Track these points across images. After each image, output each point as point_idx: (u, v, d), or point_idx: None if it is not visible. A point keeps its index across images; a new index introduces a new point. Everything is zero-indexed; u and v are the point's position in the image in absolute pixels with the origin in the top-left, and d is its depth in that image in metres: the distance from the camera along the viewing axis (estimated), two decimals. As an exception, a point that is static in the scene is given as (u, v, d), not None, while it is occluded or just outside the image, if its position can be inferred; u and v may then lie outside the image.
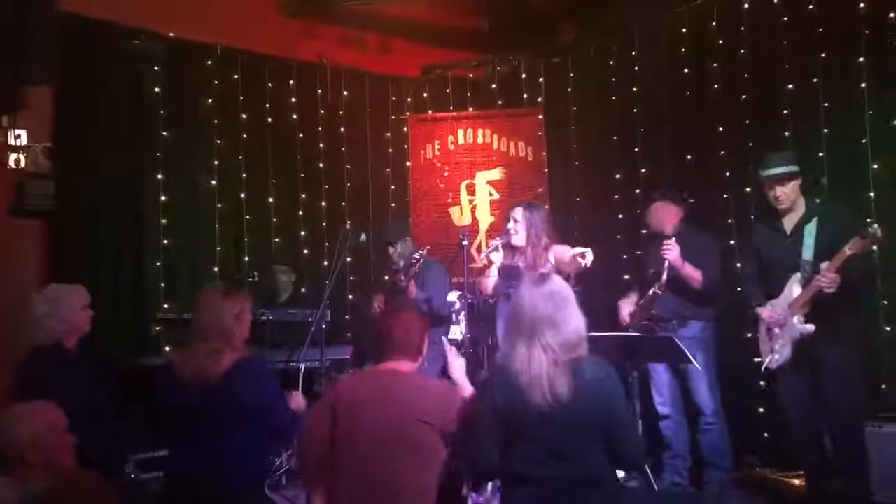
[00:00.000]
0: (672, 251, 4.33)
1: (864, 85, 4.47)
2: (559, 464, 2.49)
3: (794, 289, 3.80)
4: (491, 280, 4.40)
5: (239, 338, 3.02)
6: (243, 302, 3.07)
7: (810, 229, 3.80)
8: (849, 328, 3.78)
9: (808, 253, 3.79)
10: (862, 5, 4.49)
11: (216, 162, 5.70)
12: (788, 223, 3.93)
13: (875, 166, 4.44)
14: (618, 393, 2.56)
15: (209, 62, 5.71)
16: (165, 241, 5.40)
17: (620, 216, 5.91)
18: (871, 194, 4.40)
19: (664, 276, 4.32)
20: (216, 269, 5.60)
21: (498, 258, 4.37)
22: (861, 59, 4.49)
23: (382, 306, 5.27)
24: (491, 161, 6.39)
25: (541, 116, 6.36)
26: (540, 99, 6.44)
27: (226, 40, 5.76)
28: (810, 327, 3.72)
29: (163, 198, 5.42)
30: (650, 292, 4.42)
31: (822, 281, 3.62)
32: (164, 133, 5.47)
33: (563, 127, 6.32)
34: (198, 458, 2.88)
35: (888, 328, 4.32)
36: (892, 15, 4.36)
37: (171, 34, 5.50)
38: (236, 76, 5.82)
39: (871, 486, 3.82)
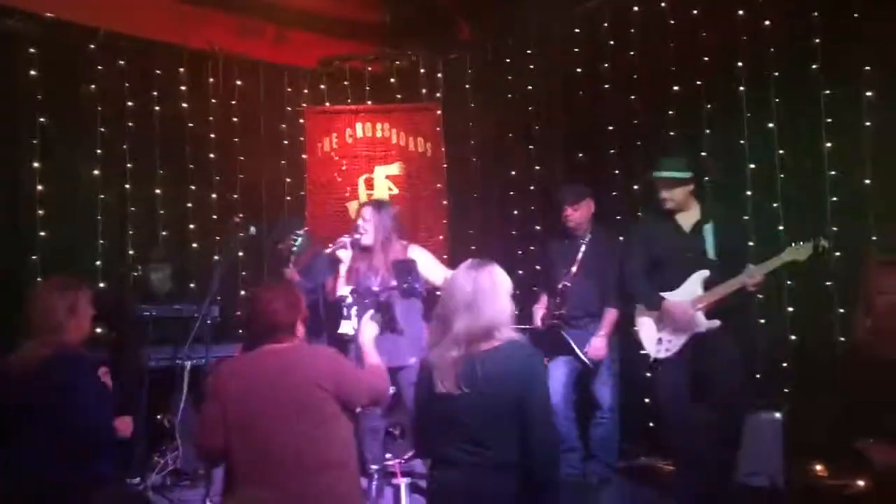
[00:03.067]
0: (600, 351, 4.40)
1: (742, 88, 4.69)
2: (477, 449, 2.50)
3: (695, 285, 3.85)
4: (339, 281, 4.25)
5: (74, 332, 2.92)
6: (78, 295, 2.95)
7: (709, 229, 3.91)
8: (742, 325, 3.95)
9: (712, 252, 3.89)
10: (741, 12, 4.70)
11: (99, 151, 5.43)
12: (685, 222, 3.99)
13: (752, 166, 4.66)
14: (532, 380, 2.55)
15: (91, 46, 5.43)
16: (42, 234, 5.11)
17: (516, 212, 6.00)
18: (748, 193, 4.62)
19: (573, 269, 4.36)
20: (98, 263, 5.34)
21: (346, 256, 4.28)
22: (740, 64, 4.71)
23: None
24: (390, 156, 6.32)
25: (439, 112, 6.35)
26: (438, 94, 6.44)
27: (109, 23, 5.49)
28: (717, 322, 3.80)
29: (40, 187, 5.13)
30: (559, 286, 4.46)
31: (749, 282, 3.72)
32: (42, 119, 5.17)
33: (462, 123, 6.33)
34: (22, 457, 2.76)
35: (762, 321, 4.54)
36: (767, 22, 4.58)
37: (49, 14, 5.20)
38: (121, 62, 5.57)
39: (741, 468, 4.02)
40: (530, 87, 5.93)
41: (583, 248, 4.37)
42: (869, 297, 4.11)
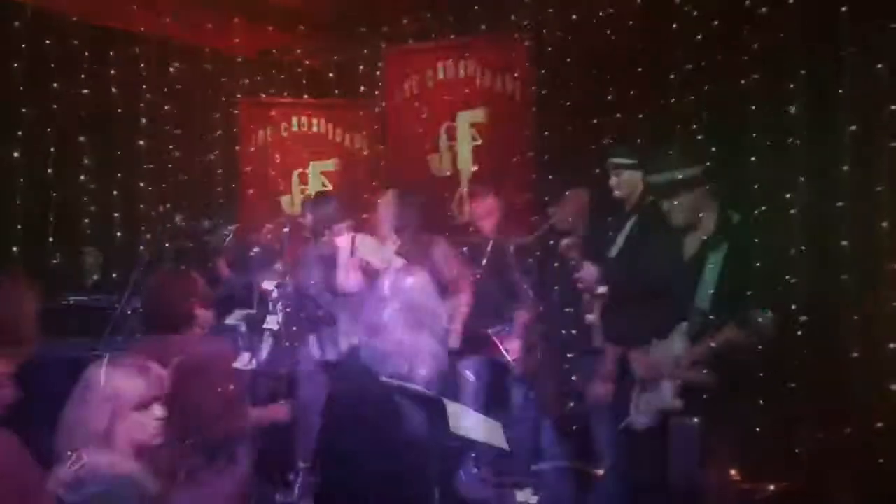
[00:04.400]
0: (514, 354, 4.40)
1: (672, 100, 4.79)
2: (390, 448, 2.48)
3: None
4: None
5: None
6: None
7: (632, 224, 3.93)
8: None
9: (615, 250, 3.88)
10: (675, 25, 4.80)
11: (20, 133, 5.21)
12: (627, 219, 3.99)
13: (679, 177, 4.74)
14: None
15: (16, 23, 5.20)
16: (-45, 218, 4.92)
17: (451, 213, 5.99)
18: (675, 202, 4.71)
19: (483, 262, 4.38)
20: (15, 249, 5.12)
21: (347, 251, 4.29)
22: (672, 76, 4.81)
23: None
24: (325, 152, 6.27)
25: (377, 109, 6.31)
26: (377, 91, 6.40)
27: (37, 0, 5.29)
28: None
29: (-47, 170, 4.94)
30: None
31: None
32: (-44, 97, 4.98)
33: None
34: None
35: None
36: (698, 37, 4.70)
37: (-30, -12, 5.01)
38: (48, 41, 5.36)
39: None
40: (467, 90, 5.93)
41: (489, 247, 4.41)
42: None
